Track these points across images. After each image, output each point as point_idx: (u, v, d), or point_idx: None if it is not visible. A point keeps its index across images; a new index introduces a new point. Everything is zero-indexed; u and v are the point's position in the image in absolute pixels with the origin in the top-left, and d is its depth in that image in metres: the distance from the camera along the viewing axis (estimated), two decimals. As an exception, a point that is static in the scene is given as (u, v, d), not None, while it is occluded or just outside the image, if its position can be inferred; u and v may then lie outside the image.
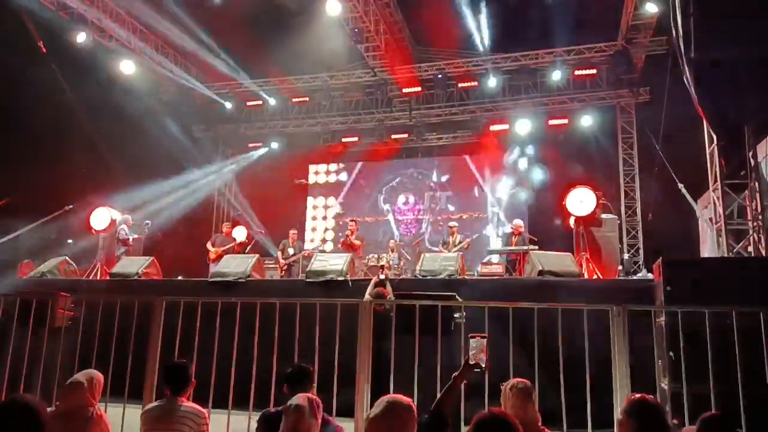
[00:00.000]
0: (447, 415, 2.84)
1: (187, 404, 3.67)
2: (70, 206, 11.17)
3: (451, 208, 15.94)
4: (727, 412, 3.29)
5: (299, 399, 2.98)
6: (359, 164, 16.90)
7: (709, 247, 10.14)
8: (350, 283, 7.78)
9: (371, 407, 2.72)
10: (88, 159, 13.55)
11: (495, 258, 11.51)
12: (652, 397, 2.82)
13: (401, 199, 16.42)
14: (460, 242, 10.90)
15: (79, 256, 10.35)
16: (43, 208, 11.27)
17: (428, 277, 7.70)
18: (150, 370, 5.15)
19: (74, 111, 12.56)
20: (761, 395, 3.96)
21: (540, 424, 3.23)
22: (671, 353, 4.67)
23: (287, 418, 2.90)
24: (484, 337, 3.04)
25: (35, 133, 12.45)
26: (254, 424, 3.79)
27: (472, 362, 2.99)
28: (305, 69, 15.05)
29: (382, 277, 7.32)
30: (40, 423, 2.11)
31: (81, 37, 12.59)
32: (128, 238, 10.46)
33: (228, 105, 16.45)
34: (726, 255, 7.91)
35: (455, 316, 5.49)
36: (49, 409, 3.79)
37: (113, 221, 10.55)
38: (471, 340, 3.03)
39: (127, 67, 13.79)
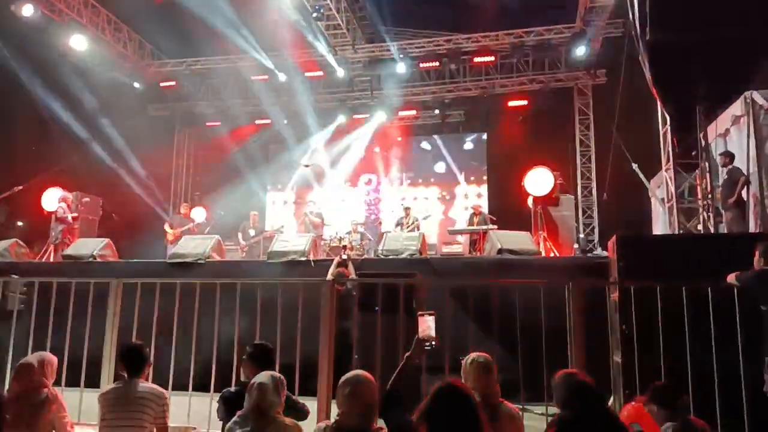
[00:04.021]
0: (401, 394, 2.88)
1: (146, 385, 3.62)
2: (19, 187, 10.80)
3: (413, 187, 16.02)
4: (675, 381, 3.44)
5: (262, 377, 2.98)
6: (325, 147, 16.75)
7: (661, 225, 10.49)
8: (312, 263, 7.76)
9: (334, 386, 2.74)
10: (37, 138, 13.08)
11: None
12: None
13: (363, 179, 16.40)
14: (413, 222, 11.01)
15: (30, 238, 10.03)
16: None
17: (390, 257, 7.74)
18: (107, 354, 5.06)
19: (22, 88, 12.06)
20: (708, 364, 4.16)
21: (500, 397, 3.31)
22: (624, 327, 4.83)
23: (250, 396, 2.91)
24: (432, 314, 3.08)
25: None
26: (215, 405, 3.78)
27: (422, 339, 3.04)
28: (264, 47, 14.76)
29: (344, 257, 7.34)
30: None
31: (27, 10, 12.01)
32: (66, 216, 10.14)
33: (184, 83, 16.02)
34: (677, 233, 8.19)
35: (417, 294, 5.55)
36: (1, 394, 3.71)
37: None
38: (420, 318, 3.07)
39: (78, 43, 13.24)
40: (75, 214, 10.42)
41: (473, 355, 3.46)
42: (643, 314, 4.50)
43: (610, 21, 12.95)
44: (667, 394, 3.08)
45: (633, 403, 3.21)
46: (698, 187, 8.40)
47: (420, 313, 3.11)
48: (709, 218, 8.10)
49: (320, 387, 4.66)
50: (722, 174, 8.42)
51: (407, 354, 3.07)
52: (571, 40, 13.67)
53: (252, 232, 11.30)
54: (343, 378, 2.72)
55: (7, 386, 4.32)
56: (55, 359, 3.81)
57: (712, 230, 7.94)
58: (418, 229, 10.67)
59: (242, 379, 3.74)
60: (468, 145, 16.08)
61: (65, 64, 13.23)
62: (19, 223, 13.52)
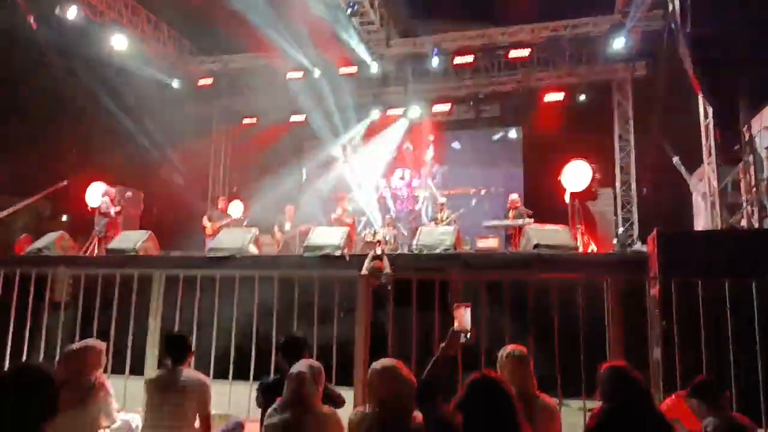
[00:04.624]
0: (437, 385, 2.90)
1: (189, 372, 3.73)
2: (65, 182, 11.14)
3: (448, 182, 15.96)
4: (717, 376, 3.37)
5: (301, 365, 3.05)
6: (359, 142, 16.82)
7: (703, 221, 10.24)
8: (347, 257, 7.82)
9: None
10: (81, 135, 13.47)
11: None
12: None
13: (397, 173, 16.41)
14: (447, 217, 10.99)
15: (74, 232, 10.36)
16: (37, 185, 11.24)
17: (425, 251, 7.75)
18: (151, 342, 5.22)
19: (67, 86, 12.44)
20: (750, 362, 4.06)
21: (536, 389, 3.30)
22: (664, 322, 4.75)
23: (289, 384, 2.97)
24: (467, 306, 3.09)
25: (27, 110, 12.36)
26: (254, 394, 3.87)
27: (457, 330, 3.05)
28: (298, 43, 14.88)
29: (379, 251, 7.38)
30: (54, 387, 2.15)
31: (72, 13, 12.39)
32: (110, 211, 10.43)
33: (221, 80, 16.29)
34: (719, 228, 8.00)
35: (452, 288, 5.55)
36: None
37: (110, 195, 10.58)
38: (455, 310, 3.09)
39: (119, 42, 13.60)
40: (118, 209, 10.72)
41: (509, 348, 3.47)
42: (684, 310, 4.42)
43: (650, 12, 12.65)
44: (708, 389, 3.03)
45: (673, 397, 3.16)
46: (741, 182, 8.19)
47: (456, 304, 3.12)
48: (753, 213, 7.89)
49: (356, 377, 4.73)
50: (768, 167, 8.19)
51: (442, 345, 3.09)
52: (610, 32, 13.42)
53: (288, 226, 11.43)
54: (375, 364, 2.75)
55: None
56: (102, 346, 3.93)
57: (756, 225, 7.72)
58: (453, 224, 10.63)
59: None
60: (504, 140, 15.91)
61: (107, 64, 13.60)
62: (64, 218, 13.95)
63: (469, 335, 3.08)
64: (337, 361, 4.78)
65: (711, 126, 8.53)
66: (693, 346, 4.26)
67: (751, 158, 8.14)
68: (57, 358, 5.13)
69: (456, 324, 3.06)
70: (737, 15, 7.21)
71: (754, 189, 7.98)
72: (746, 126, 8.24)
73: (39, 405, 2.11)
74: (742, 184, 8.19)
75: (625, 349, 4.35)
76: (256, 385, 3.92)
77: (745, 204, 8.07)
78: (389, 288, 5.69)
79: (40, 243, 9.01)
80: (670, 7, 7.73)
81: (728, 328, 4.20)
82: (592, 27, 13.76)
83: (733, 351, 4.10)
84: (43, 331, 5.62)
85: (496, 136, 15.86)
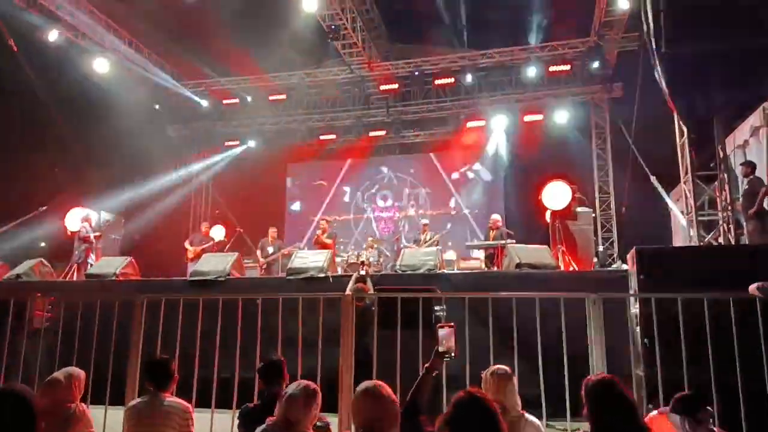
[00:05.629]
0: (421, 404, 2.90)
1: (171, 399, 3.68)
2: (43, 208, 11.00)
3: (430, 204, 16.04)
4: (698, 392, 3.40)
5: (293, 388, 3.01)
6: (341, 165, 16.88)
7: (681, 238, 10.40)
8: (331, 279, 7.80)
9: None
10: (61, 160, 13.35)
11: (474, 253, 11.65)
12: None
13: (380, 195, 16.47)
14: (431, 239, 11.05)
15: (53, 258, 10.20)
16: (14, 210, 11.09)
17: (408, 272, 7.76)
18: (132, 370, 5.12)
19: (47, 111, 12.36)
20: (731, 378, 4.11)
21: (521, 408, 3.31)
22: (645, 340, 4.79)
23: (280, 407, 2.94)
24: (451, 326, 3.12)
25: (6, 134, 12.24)
26: (237, 422, 3.81)
27: (441, 350, 3.07)
28: (281, 66, 15.00)
29: (363, 273, 7.38)
30: (35, 413, 2.10)
31: (53, 35, 12.37)
32: (89, 235, 10.31)
33: (204, 103, 16.32)
34: (697, 245, 8.12)
35: (436, 309, 5.57)
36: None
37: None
38: (439, 330, 3.11)
39: (100, 66, 13.58)
40: (97, 234, 10.60)
41: (493, 367, 3.48)
42: (664, 326, 4.46)
43: (625, 34, 12.96)
44: (690, 404, 3.06)
45: (655, 413, 3.18)
46: (717, 199, 8.35)
47: (439, 325, 3.14)
48: (729, 230, 8.04)
49: (341, 401, 4.68)
50: (743, 185, 8.36)
51: (426, 365, 3.10)
52: (586, 54, 13.70)
53: (271, 249, 11.38)
54: (359, 386, 2.75)
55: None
56: (83, 374, 3.87)
57: (732, 242, 7.86)
58: (436, 245, 10.67)
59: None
60: (483, 160, 16.06)
61: (88, 87, 13.55)
62: (42, 244, 13.75)
63: (453, 354, 3.10)
64: (323, 384, 4.74)
65: (687, 145, 8.71)
66: (674, 362, 4.29)
67: (725, 176, 8.32)
68: (36, 386, 5.04)
69: (440, 344, 3.07)
70: (711, 35, 7.40)
71: (729, 206, 8.14)
72: (721, 144, 8.43)
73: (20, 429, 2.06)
74: (718, 202, 8.35)
75: (607, 367, 4.37)
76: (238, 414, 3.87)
77: (720, 221, 8.22)
78: (373, 309, 5.68)
79: (18, 269, 8.86)
80: (645, 28, 7.91)
81: (708, 344, 4.25)
82: (569, 49, 14.04)
83: (713, 366, 4.15)
84: (21, 359, 5.51)
85: (464, 169, 16.06)
